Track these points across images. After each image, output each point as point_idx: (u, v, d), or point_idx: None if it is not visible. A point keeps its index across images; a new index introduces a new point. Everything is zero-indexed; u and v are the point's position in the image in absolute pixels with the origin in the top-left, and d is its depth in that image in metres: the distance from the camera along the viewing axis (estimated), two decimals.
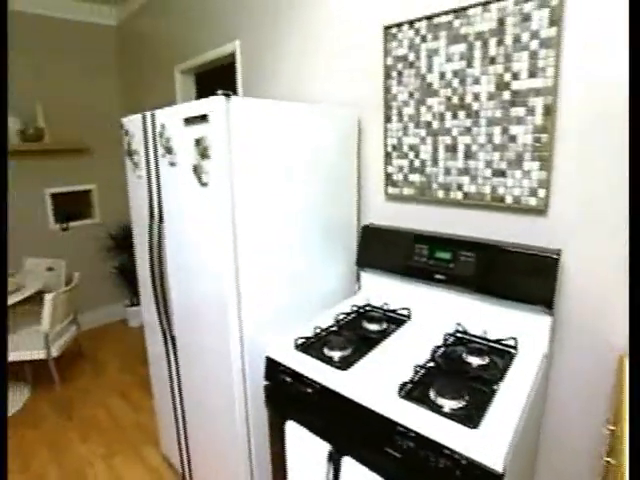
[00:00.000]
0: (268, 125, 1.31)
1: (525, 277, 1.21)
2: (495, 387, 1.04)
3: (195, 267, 1.40)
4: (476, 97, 1.34)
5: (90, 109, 3.41)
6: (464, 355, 1.20)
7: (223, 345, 1.35)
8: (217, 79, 2.71)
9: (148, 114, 1.50)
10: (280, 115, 1.34)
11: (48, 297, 2.25)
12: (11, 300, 2.26)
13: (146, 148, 1.56)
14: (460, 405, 0.97)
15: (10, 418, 2.41)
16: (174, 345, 1.61)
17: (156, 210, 1.55)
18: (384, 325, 1.41)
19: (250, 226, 1.30)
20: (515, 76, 1.25)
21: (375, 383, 1.08)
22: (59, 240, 3.36)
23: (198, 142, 1.27)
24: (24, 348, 2.35)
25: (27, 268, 2.95)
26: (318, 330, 1.38)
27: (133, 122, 1.62)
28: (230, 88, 2.44)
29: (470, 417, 0.93)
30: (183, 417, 1.68)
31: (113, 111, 3.55)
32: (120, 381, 2.75)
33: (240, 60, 2.23)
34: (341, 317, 1.49)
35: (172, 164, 1.41)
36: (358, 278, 1.76)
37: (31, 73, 3.09)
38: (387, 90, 1.58)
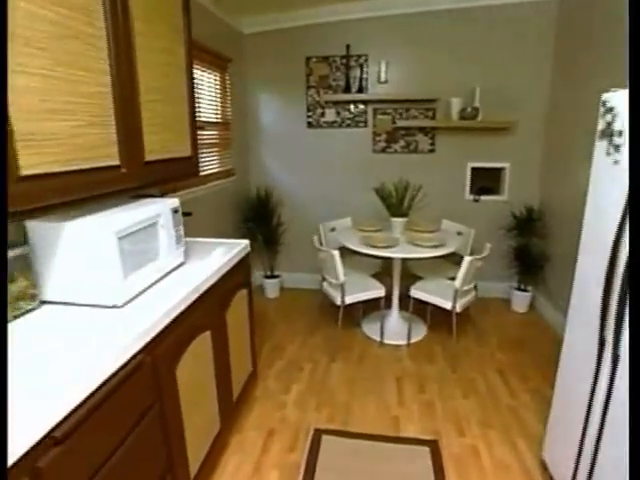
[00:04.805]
0: None
1: None
2: None
3: None
4: None
5: (518, 89, 3.39)
6: None
7: None
8: None
9: None
10: None
11: (467, 259, 2.50)
12: (439, 252, 2.68)
13: None
14: None
15: (412, 344, 2.98)
16: (614, 366, 1.38)
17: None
18: None
19: None
20: None
21: None
22: (470, 210, 3.68)
23: None
24: (433, 294, 2.77)
25: (443, 227, 3.42)
26: None
27: (625, 98, 1.38)
28: None
29: None
30: (596, 446, 1.46)
31: (542, 91, 3.38)
32: (497, 358, 2.81)
33: None
34: None
35: None
36: None
37: (473, 60, 3.40)
38: None
